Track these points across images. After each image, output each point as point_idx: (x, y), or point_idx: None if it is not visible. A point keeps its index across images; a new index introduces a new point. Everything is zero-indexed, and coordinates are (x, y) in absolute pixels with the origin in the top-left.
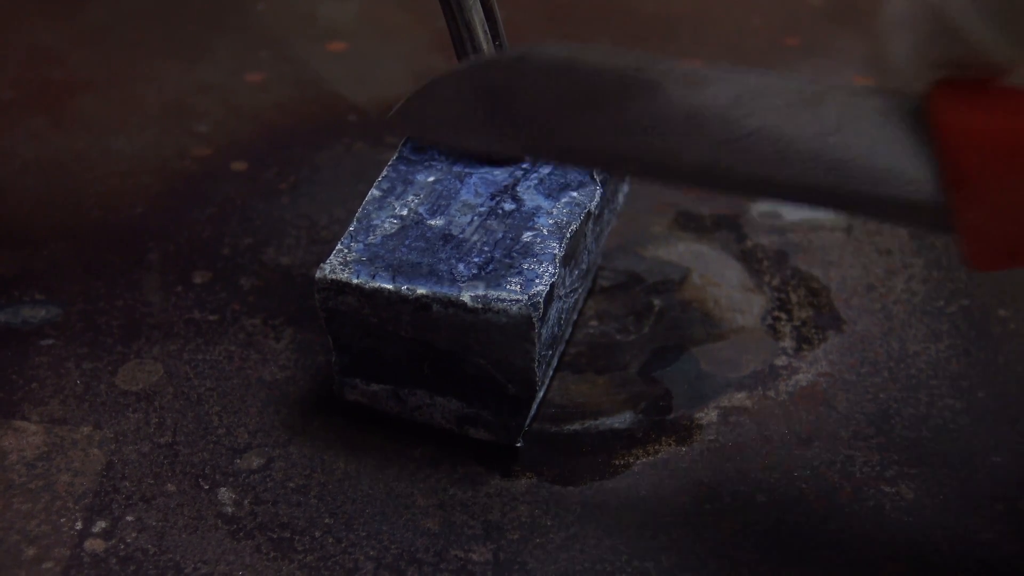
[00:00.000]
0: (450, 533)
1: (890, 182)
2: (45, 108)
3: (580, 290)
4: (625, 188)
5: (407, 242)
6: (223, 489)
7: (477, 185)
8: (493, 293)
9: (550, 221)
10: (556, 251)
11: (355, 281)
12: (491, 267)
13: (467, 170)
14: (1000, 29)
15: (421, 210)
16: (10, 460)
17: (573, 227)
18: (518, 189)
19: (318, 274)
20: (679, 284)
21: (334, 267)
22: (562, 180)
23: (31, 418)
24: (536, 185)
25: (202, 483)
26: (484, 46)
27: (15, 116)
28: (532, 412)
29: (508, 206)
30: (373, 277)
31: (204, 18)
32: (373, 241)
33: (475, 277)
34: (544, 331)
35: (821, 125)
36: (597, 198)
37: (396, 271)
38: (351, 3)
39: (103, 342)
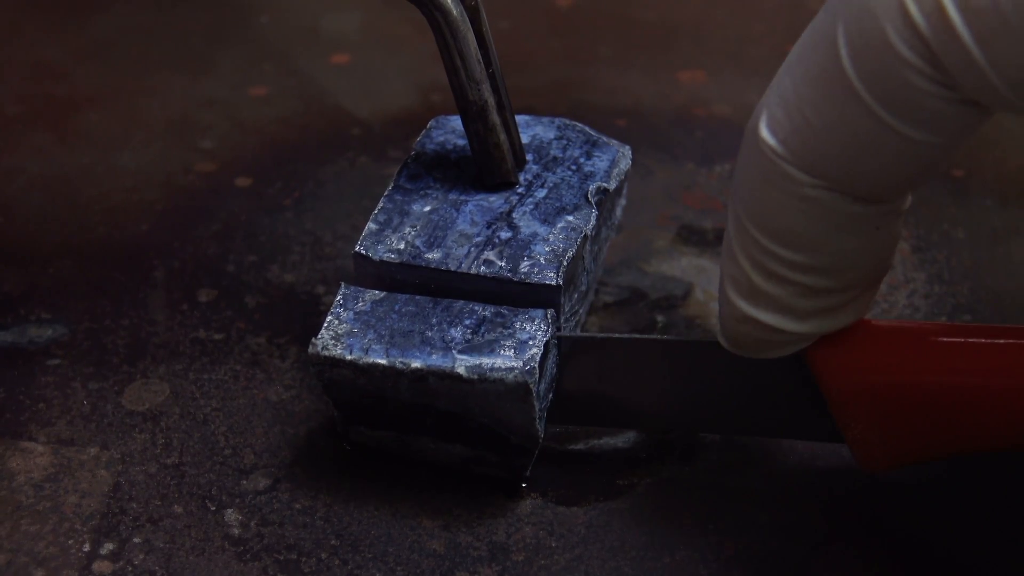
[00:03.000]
0: (455, 555)
1: (787, 425)
2: (49, 124)
3: (580, 311)
4: (623, 202)
5: (397, 307)
6: (230, 510)
7: (473, 213)
8: (487, 362)
9: (547, 249)
10: (548, 309)
11: (348, 357)
12: (483, 329)
13: (463, 197)
14: (774, 312)
15: (418, 243)
16: (18, 481)
17: (570, 254)
18: (514, 215)
19: (311, 349)
20: (682, 300)
21: (326, 343)
22: (557, 204)
23: (38, 439)
24: (532, 210)
25: (209, 504)
26: (477, 75)
27: (19, 132)
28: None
29: (504, 234)
30: (367, 352)
31: (207, 32)
32: (363, 308)
33: (468, 343)
34: (542, 385)
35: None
36: (593, 220)
37: (389, 343)
38: (354, 16)
39: (109, 362)
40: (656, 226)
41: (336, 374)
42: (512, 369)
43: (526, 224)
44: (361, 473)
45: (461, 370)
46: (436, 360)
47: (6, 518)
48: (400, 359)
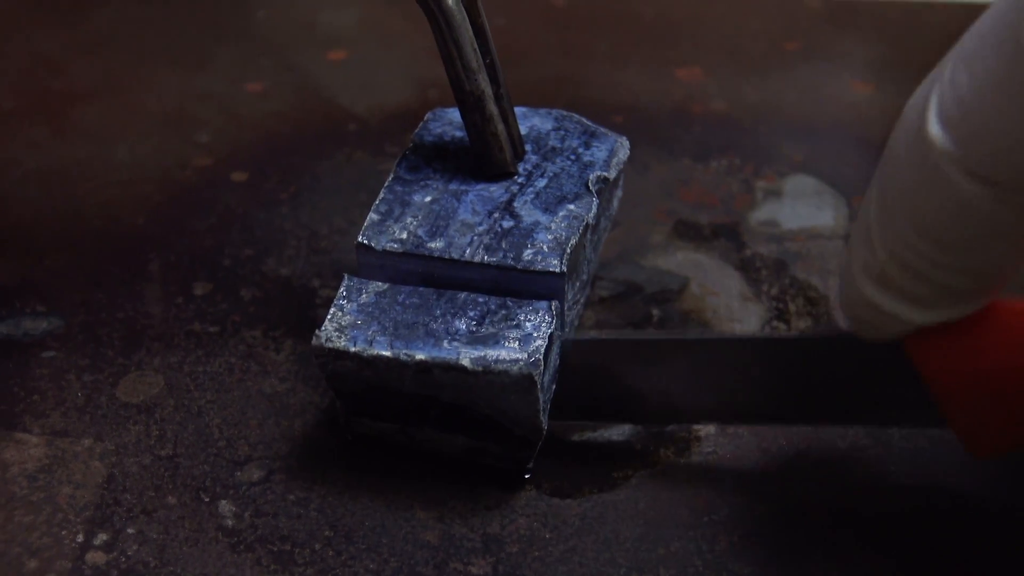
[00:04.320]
0: (449, 546)
1: (889, 413)
2: (46, 117)
3: (581, 300)
4: (619, 193)
5: (400, 298)
6: (224, 502)
7: (474, 203)
8: (492, 354)
9: (549, 237)
10: (552, 300)
11: (353, 349)
12: (488, 321)
13: (463, 187)
14: (901, 301)
15: (420, 232)
16: (11, 472)
17: (573, 242)
18: (515, 205)
19: (314, 341)
20: (678, 294)
21: (330, 335)
22: (558, 193)
23: (32, 430)
24: (533, 199)
25: (203, 496)
26: (473, 65)
27: (16, 125)
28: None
29: (506, 223)
30: (371, 343)
31: (205, 27)
32: (367, 300)
33: (473, 335)
34: (547, 376)
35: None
36: (594, 209)
37: (393, 335)
38: (351, 11)
39: (104, 354)
40: (652, 221)
41: (339, 366)
42: (517, 361)
43: (528, 213)
44: (355, 464)
45: (466, 362)
46: (441, 352)
47: (0, 509)
48: (404, 351)
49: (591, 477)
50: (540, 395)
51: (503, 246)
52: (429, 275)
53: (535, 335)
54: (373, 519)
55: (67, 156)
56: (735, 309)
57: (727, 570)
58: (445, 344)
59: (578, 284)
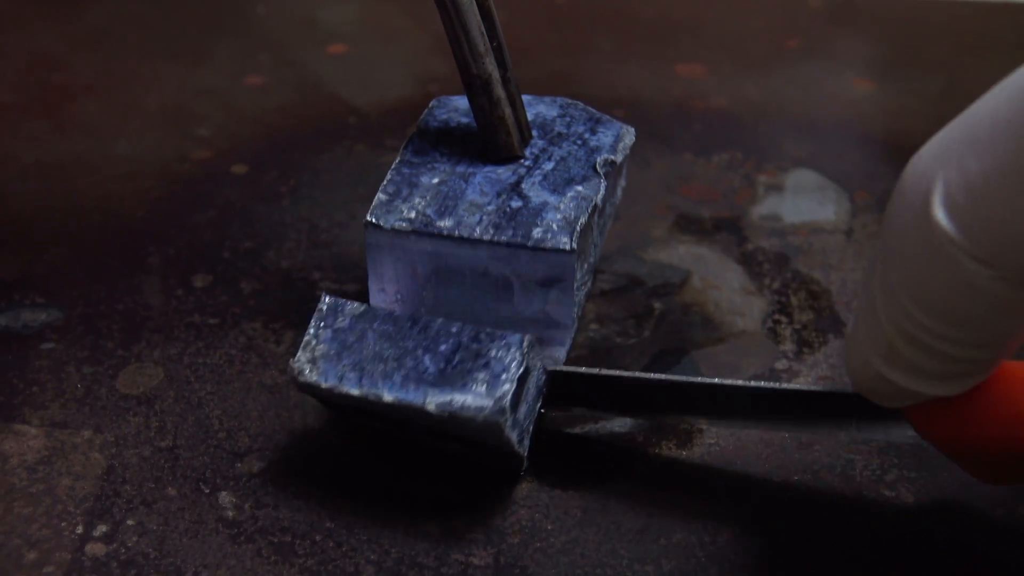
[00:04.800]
0: (450, 537)
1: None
2: (45, 112)
3: (588, 284)
4: (623, 183)
5: (375, 325)
6: (224, 493)
7: (482, 184)
8: (459, 399)
9: (558, 216)
10: (525, 335)
11: (324, 385)
12: (457, 358)
13: (471, 170)
14: (910, 374)
15: (429, 212)
16: (11, 464)
17: (582, 221)
18: (523, 186)
19: (288, 371)
20: (679, 287)
21: (302, 366)
22: (566, 175)
23: (32, 422)
24: (541, 181)
25: (203, 487)
26: (481, 48)
27: (15, 120)
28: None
29: (515, 203)
30: (340, 380)
31: (204, 21)
32: (341, 325)
33: (440, 374)
34: (522, 409)
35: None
36: (602, 191)
37: (363, 371)
38: (351, 6)
39: (103, 346)
40: (653, 215)
41: (316, 393)
42: (482, 409)
43: (536, 194)
44: (356, 456)
45: (431, 407)
46: (407, 395)
47: None
48: (372, 391)
49: (593, 469)
50: (511, 435)
51: (512, 225)
52: (438, 255)
53: (503, 377)
54: (374, 511)
55: (67, 150)
56: (737, 302)
57: (729, 561)
58: (413, 385)
59: (586, 266)
